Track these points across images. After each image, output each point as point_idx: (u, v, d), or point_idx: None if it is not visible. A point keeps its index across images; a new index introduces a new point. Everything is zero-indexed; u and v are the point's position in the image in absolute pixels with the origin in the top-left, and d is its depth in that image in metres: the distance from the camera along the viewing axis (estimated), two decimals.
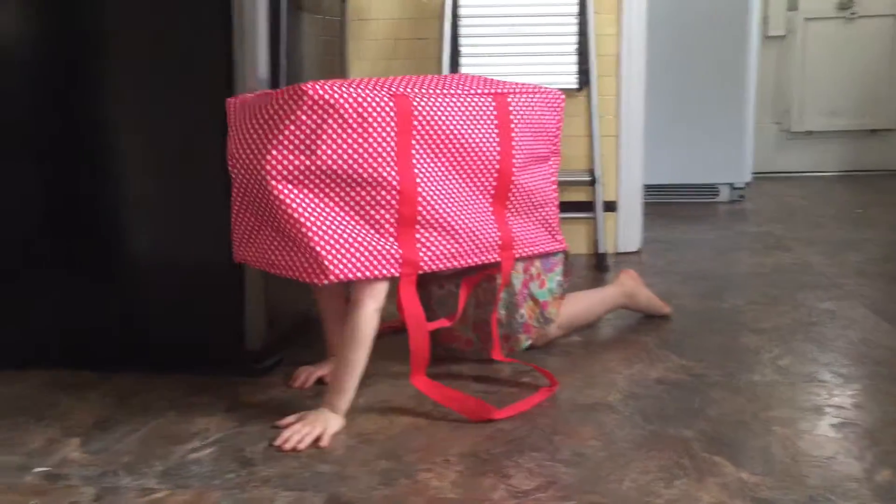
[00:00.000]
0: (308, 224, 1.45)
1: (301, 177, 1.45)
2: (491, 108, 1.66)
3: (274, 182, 1.44)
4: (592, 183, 2.79)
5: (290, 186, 1.45)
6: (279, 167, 1.44)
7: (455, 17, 2.76)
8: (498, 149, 1.66)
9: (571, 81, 2.78)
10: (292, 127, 1.43)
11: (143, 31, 1.71)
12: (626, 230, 2.95)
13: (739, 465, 1.36)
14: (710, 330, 2.06)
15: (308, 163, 1.44)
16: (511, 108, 1.69)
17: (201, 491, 1.31)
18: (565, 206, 2.86)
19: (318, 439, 1.46)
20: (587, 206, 2.88)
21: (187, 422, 1.55)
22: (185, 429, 1.53)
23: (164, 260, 1.77)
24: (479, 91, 1.65)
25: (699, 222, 3.49)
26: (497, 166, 1.66)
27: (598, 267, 2.75)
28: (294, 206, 1.45)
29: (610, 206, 2.91)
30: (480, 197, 1.66)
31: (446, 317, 1.71)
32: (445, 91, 1.60)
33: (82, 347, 1.83)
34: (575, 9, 2.75)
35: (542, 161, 1.79)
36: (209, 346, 1.78)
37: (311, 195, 1.46)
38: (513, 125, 1.69)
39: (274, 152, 1.44)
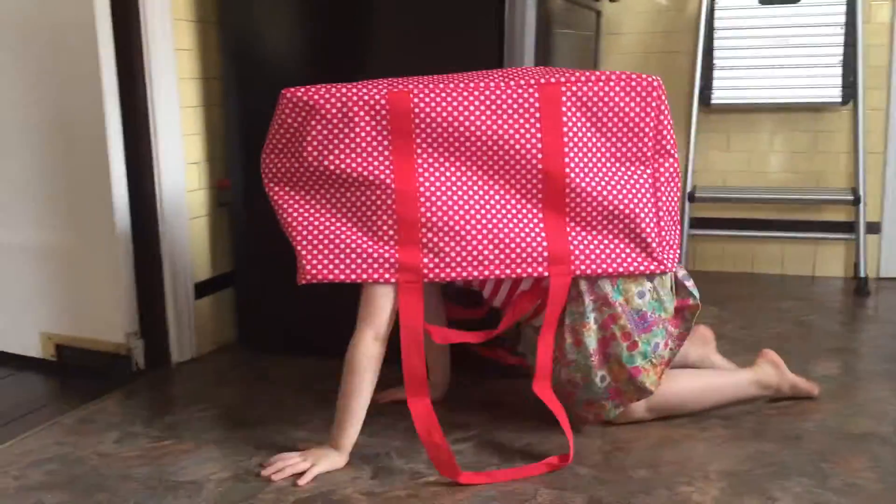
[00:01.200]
0: (294, 224, 1.43)
1: (293, 179, 1.45)
2: (531, 101, 1.41)
3: (271, 185, 1.46)
4: (855, 202, 2.62)
5: (284, 188, 1.45)
6: (273, 169, 1.46)
7: (710, 29, 2.71)
8: (539, 146, 1.41)
9: (835, 95, 2.63)
10: (282, 130, 1.44)
11: (425, 48, 1.84)
12: (890, 254, 2.74)
13: None
14: None
15: (297, 165, 1.44)
16: (566, 100, 1.42)
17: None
18: (821, 226, 2.74)
19: (300, 474, 1.40)
20: (847, 227, 2.71)
21: (450, 414, 1.64)
22: (448, 420, 1.60)
23: None
24: (518, 82, 1.42)
25: None
26: (539, 166, 1.41)
27: (857, 292, 2.58)
28: (285, 206, 1.45)
29: (873, 228, 2.72)
30: (522, 202, 1.43)
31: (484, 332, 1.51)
32: (467, 84, 1.42)
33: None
34: (842, 19, 2.61)
35: (630, 163, 1.46)
36: (468, 347, 1.87)
37: (300, 196, 1.44)
38: (567, 119, 1.42)
39: (272, 156, 1.46)
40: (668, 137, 1.47)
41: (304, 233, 1.43)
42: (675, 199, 1.50)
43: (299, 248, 1.42)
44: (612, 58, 2.86)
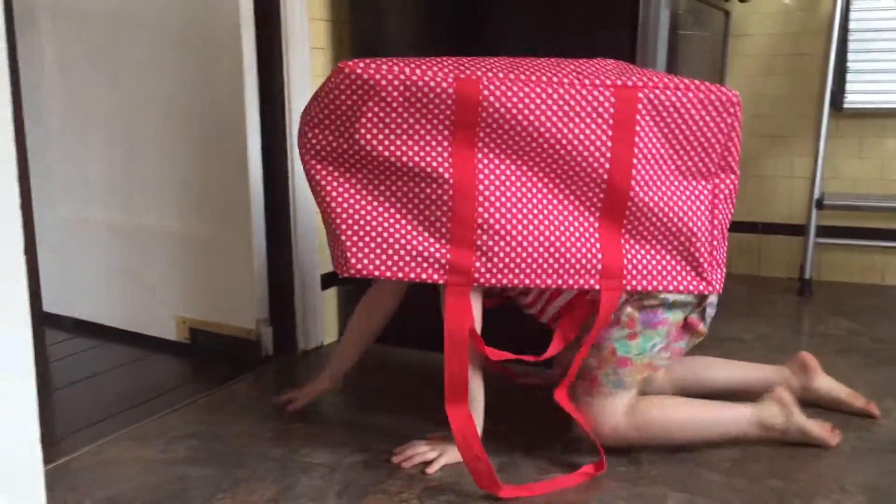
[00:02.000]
0: (338, 209, 1.33)
1: (339, 159, 1.33)
2: (605, 105, 1.32)
3: (313, 161, 1.34)
4: None
5: (328, 167, 1.34)
6: (318, 146, 1.34)
7: (844, 31, 2.62)
8: (608, 154, 1.32)
9: None
10: (332, 106, 1.31)
11: (555, 50, 1.84)
12: None
13: None
14: None
15: (346, 145, 1.32)
16: (642, 107, 1.33)
17: (596, 479, 1.39)
18: None
19: (428, 463, 1.43)
20: None
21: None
22: (573, 422, 1.62)
23: None
24: (593, 82, 1.33)
25: None
26: (605, 176, 1.33)
27: None
28: (328, 188, 1.33)
29: None
30: (580, 208, 1.35)
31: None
32: (540, 77, 1.31)
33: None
34: None
35: (692, 176, 1.39)
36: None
37: (345, 179, 1.33)
38: (640, 128, 1.34)
39: (315, 130, 1.33)
40: (734, 153, 1.40)
41: (350, 221, 1.33)
42: (729, 217, 1.44)
43: (343, 237, 1.33)
44: (737, 60, 2.80)
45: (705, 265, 1.40)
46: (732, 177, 1.41)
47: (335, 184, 1.34)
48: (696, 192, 1.39)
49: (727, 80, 2.63)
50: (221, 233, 2.00)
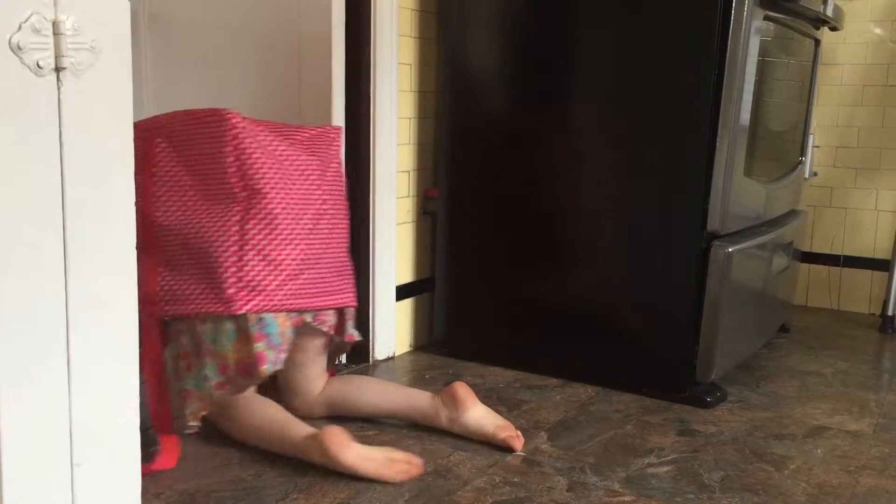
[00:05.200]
0: None
1: None
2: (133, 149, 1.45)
3: None
4: None
5: None
6: None
7: None
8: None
9: None
10: None
11: (640, 69, 1.84)
12: None
13: None
14: None
15: None
16: (161, 139, 1.49)
17: None
18: None
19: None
20: None
21: (643, 437, 1.63)
22: (641, 443, 1.61)
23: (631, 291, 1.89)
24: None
25: None
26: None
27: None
28: None
29: None
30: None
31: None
32: None
33: (549, 357, 2.01)
34: None
35: (218, 201, 1.47)
36: (663, 374, 1.85)
37: None
38: (160, 160, 1.48)
39: None
40: (257, 177, 1.46)
41: None
42: (273, 239, 1.47)
43: None
44: (826, 89, 2.75)
45: (226, 286, 1.44)
46: (265, 201, 1.46)
47: None
48: (221, 216, 1.47)
49: (814, 108, 2.58)
50: None
